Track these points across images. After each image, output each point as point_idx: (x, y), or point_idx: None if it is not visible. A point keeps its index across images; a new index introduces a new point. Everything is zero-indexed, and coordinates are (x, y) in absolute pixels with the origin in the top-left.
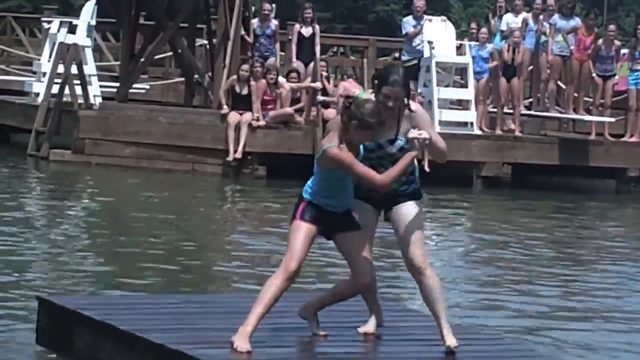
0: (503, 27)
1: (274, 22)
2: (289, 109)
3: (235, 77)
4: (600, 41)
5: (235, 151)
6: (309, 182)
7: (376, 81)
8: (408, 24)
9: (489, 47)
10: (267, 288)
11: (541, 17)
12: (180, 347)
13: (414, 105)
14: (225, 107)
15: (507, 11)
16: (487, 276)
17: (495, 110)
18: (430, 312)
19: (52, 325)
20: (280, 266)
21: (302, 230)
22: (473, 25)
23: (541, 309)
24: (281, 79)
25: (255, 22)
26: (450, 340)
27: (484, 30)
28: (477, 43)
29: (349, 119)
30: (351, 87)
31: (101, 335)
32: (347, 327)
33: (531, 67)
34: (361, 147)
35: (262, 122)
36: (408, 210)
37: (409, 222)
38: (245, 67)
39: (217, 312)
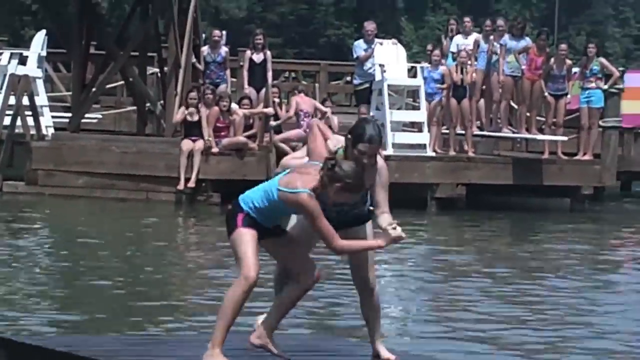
0: (453, 48)
1: (224, 49)
2: (242, 138)
3: (183, 108)
4: (551, 60)
5: (187, 179)
6: (251, 196)
7: (350, 135)
8: (359, 47)
9: (441, 68)
10: (227, 301)
11: (492, 37)
12: None
13: (380, 161)
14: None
15: (458, 32)
16: (444, 294)
17: (448, 131)
18: (368, 328)
19: None
20: (238, 278)
21: (249, 237)
22: (429, 47)
23: (495, 324)
24: (234, 106)
25: (205, 49)
26: (388, 355)
27: (436, 52)
28: (429, 65)
29: (331, 181)
30: (302, 101)
31: None
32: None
33: (483, 87)
34: None
35: (215, 149)
36: (362, 231)
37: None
38: (193, 94)
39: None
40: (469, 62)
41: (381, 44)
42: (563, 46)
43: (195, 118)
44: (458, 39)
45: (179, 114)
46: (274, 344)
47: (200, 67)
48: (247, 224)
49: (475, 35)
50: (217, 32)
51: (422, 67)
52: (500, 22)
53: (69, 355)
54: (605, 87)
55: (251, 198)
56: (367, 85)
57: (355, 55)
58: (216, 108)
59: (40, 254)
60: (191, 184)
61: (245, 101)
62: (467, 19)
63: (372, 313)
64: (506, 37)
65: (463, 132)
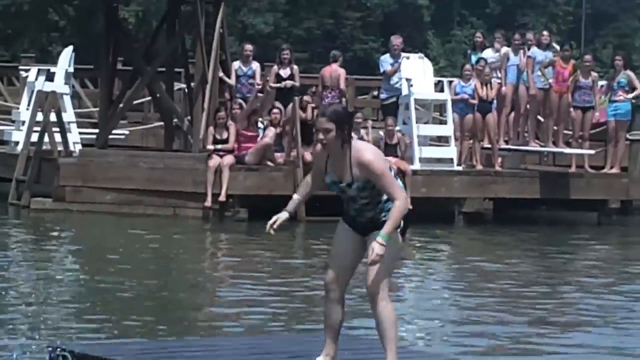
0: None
1: (256, 64)
2: (266, 140)
3: (212, 128)
4: (578, 72)
5: (214, 195)
6: None
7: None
8: (386, 62)
9: (473, 83)
10: None
11: (521, 51)
12: None
13: (370, 154)
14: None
15: (485, 47)
16: (470, 306)
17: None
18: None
19: None
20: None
21: None
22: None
23: (519, 337)
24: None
25: (236, 63)
26: None
27: (467, 66)
28: (461, 80)
29: None
30: (327, 73)
31: None
32: None
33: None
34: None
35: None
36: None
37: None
38: (221, 114)
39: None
40: (497, 76)
41: (408, 58)
42: (588, 57)
43: (224, 136)
44: (488, 52)
45: (209, 138)
46: None
47: (230, 81)
48: None
49: (504, 49)
50: (248, 46)
51: (449, 81)
52: (529, 35)
53: None
54: (631, 96)
55: None
56: (394, 99)
57: (382, 70)
58: (245, 122)
59: (68, 271)
60: (222, 198)
61: (275, 110)
62: (498, 34)
63: (380, 325)
64: (534, 49)
65: (489, 146)
